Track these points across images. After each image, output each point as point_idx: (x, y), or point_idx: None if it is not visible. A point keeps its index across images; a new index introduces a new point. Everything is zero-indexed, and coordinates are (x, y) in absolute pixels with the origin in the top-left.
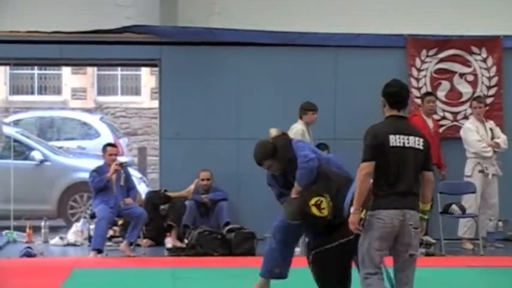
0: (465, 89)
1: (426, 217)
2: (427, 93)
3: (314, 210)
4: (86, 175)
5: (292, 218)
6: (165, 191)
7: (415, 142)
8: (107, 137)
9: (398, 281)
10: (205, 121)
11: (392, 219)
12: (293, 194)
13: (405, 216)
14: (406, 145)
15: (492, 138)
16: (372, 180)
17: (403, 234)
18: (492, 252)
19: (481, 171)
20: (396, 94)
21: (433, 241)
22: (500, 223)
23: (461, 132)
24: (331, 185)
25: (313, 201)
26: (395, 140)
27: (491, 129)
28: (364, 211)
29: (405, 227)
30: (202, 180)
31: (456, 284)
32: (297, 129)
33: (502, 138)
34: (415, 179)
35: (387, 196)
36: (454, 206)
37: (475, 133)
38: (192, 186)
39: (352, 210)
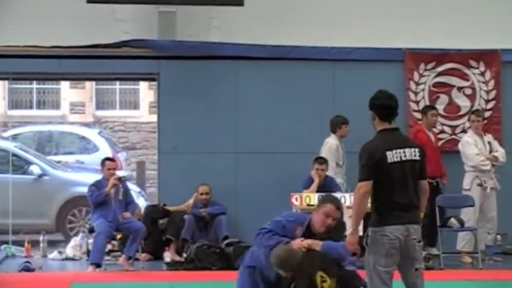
0: (463, 103)
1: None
2: (430, 107)
3: (317, 277)
4: (84, 189)
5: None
6: (164, 205)
7: (411, 154)
8: (105, 151)
9: None
10: (204, 135)
11: (398, 235)
12: (302, 244)
13: (409, 231)
14: (403, 158)
15: (490, 151)
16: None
17: (408, 249)
18: (491, 265)
19: (480, 185)
20: (385, 106)
21: (438, 252)
22: (498, 236)
23: (460, 146)
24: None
25: (321, 272)
26: (392, 156)
27: (489, 143)
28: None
29: (409, 242)
30: (201, 194)
31: None
32: (331, 144)
33: (500, 152)
34: (415, 190)
35: (390, 212)
36: (452, 220)
37: (473, 146)
38: (191, 201)
39: (350, 231)
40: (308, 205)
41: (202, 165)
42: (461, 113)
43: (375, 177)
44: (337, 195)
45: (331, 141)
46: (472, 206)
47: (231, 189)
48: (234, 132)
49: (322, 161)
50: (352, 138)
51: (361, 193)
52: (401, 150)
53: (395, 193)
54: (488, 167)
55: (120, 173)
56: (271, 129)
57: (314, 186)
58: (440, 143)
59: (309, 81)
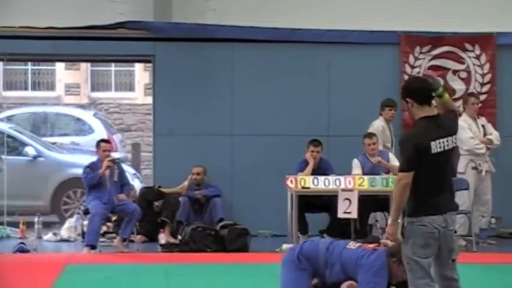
0: (458, 86)
1: None
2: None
3: None
4: (79, 171)
5: None
6: (159, 187)
7: (452, 141)
8: (100, 133)
9: (448, 285)
10: (199, 117)
11: (436, 225)
12: None
13: (447, 221)
14: (446, 148)
15: (484, 134)
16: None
17: (446, 241)
18: (485, 248)
19: (475, 168)
20: (422, 88)
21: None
22: (493, 220)
23: None
24: None
25: None
26: (436, 147)
27: (483, 126)
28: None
29: (447, 233)
30: (193, 174)
31: None
32: (376, 126)
33: (494, 135)
34: (451, 178)
35: (429, 202)
36: None
37: (467, 130)
38: (185, 183)
39: (390, 221)
40: (303, 188)
41: (197, 147)
42: (456, 96)
43: (417, 168)
44: (332, 178)
45: (378, 123)
46: (466, 189)
47: (227, 172)
48: (230, 115)
49: (317, 143)
50: (348, 121)
51: (402, 184)
52: (445, 140)
53: (435, 183)
54: (483, 151)
55: (115, 155)
56: (267, 111)
57: (309, 168)
58: None
59: (305, 63)
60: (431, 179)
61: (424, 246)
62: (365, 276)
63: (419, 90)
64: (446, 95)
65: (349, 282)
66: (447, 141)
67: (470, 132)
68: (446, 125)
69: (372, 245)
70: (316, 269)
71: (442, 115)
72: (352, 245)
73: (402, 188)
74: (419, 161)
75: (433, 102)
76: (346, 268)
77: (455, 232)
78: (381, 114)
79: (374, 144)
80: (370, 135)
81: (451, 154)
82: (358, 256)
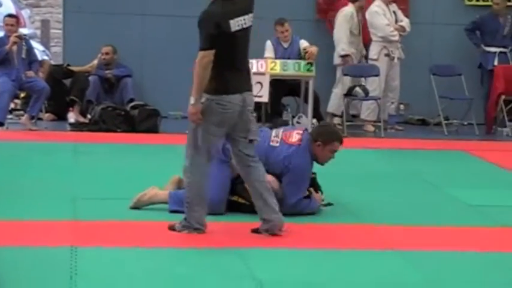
0: None
1: None
2: None
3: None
4: None
5: None
6: (68, 65)
7: (250, 20)
8: (7, 7)
9: (242, 160)
10: None
11: (234, 105)
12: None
13: (245, 101)
14: (244, 26)
15: (396, 21)
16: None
17: (242, 121)
18: (393, 134)
19: (387, 55)
20: None
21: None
22: (401, 106)
23: (367, 16)
24: None
25: None
26: (234, 25)
27: (394, 12)
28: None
29: (244, 113)
30: (102, 54)
31: (357, 164)
32: (346, 12)
33: (405, 21)
34: (247, 56)
35: (228, 80)
36: (357, 89)
37: (382, 17)
38: (95, 61)
39: (192, 100)
40: None
41: (108, 26)
42: None
43: (217, 47)
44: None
45: (348, 9)
46: (377, 75)
47: (138, 52)
48: None
49: None
50: (261, 2)
51: (205, 62)
52: (243, 18)
53: (234, 61)
54: (397, 38)
55: (23, 31)
56: None
57: None
58: None
59: None
60: (230, 58)
61: (217, 125)
62: (289, 178)
63: None
64: None
65: (271, 178)
66: (244, 19)
67: (385, 19)
68: (243, 3)
69: (295, 139)
70: None
71: None
72: (275, 140)
73: (205, 66)
74: (219, 39)
75: None
76: (273, 169)
77: (253, 113)
78: (352, 2)
79: (287, 31)
80: (282, 22)
81: (249, 33)
82: (285, 156)
